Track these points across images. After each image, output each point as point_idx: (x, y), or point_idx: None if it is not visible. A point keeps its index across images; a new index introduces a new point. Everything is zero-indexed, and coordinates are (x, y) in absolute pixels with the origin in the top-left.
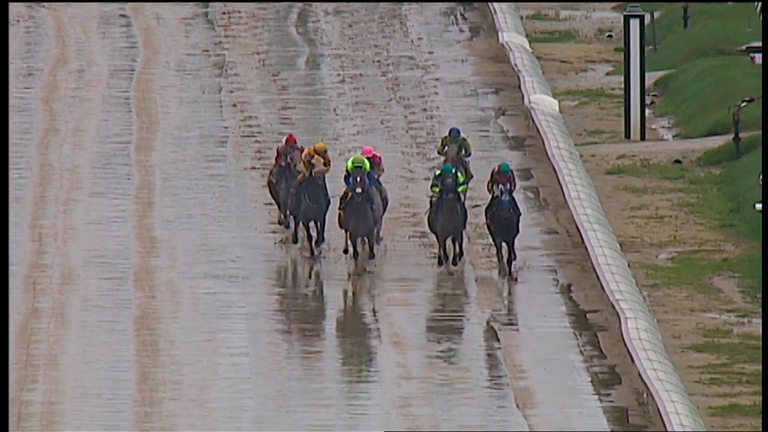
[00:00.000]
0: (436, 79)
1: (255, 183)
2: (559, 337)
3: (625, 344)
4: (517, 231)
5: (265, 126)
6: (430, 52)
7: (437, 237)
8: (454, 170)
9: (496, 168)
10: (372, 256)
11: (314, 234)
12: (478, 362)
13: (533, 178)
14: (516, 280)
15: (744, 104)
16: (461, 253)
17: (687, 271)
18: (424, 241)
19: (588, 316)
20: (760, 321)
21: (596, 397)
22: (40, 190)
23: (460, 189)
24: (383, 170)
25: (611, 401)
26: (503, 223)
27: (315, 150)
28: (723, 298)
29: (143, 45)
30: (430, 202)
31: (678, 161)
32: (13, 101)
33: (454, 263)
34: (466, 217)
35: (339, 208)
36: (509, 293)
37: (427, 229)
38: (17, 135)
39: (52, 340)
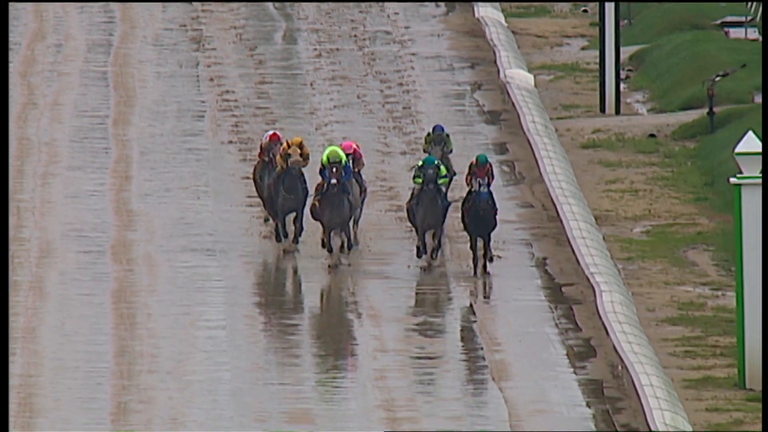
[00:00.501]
0: (413, 54)
1: (232, 157)
2: (534, 310)
3: (600, 317)
4: (494, 226)
5: (242, 100)
6: (407, 27)
7: (416, 229)
8: (436, 162)
9: (474, 160)
10: (349, 247)
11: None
12: (454, 335)
13: (509, 152)
14: (488, 273)
15: (718, 78)
16: (439, 246)
17: (661, 244)
18: (400, 214)
19: (563, 289)
20: (733, 294)
21: (571, 369)
22: (18, 164)
23: (440, 181)
24: (363, 164)
25: (586, 374)
26: (480, 216)
27: (291, 144)
28: (697, 271)
29: (120, 19)
30: (412, 193)
31: (653, 135)
32: None
33: (433, 257)
34: (446, 211)
35: (314, 199)
36: (485, 267)
37: (402, 201)
38: None
39: (30, 313)
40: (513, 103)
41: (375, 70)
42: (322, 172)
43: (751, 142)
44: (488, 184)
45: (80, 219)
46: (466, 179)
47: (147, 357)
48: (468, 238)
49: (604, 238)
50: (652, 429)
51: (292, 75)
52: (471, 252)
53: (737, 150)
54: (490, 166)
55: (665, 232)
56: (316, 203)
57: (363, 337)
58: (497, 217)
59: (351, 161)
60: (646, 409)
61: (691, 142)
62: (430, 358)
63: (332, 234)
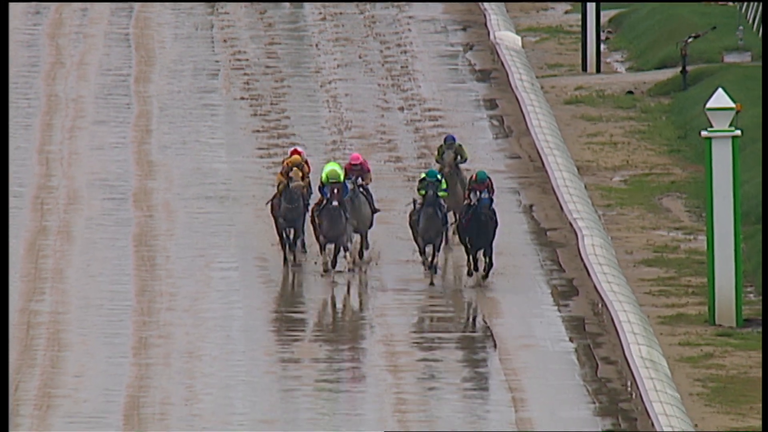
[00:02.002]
0: (410, 17)
1: (244, 112)
2: (521, 252)
3: (582, 259)
4: (494, 236)
5: (253, 60)
6: None
7: (417, 242)
8: (438, 175)
9: (474, 176)
10: (336, 258)
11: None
12: (448, 276)
13: (498, 107)
14: (486, 278)
15: (691, 40)
16: (435, 263)
17: (638, 192)
18: (398, 165)
19: (548, 233)
20: (704, 238)
21: (555, 307)
22: (47, 119)
23: (441, 194)
24: (371, 179)
25: (569, 311)
26: (482, 223)
27: (291, 163)
28: (671, 217)
29: None
30: (413, 206)
31: (630, 92)
32: (22, 37)
33: (435, 270)
34: (446, 223)
35: (314, 216)
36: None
37: (400, 152)
38: (26, 68)
39: (58, 255)
40: (502, 63)
41: (375, 32)
42: (321, 189)
43: (720, 99)
44: (489, 196)
45: (104, 169)
46: (465, 194)
47: (166, 296)
48: (466, 252)
49: (585, 187)
50: (630, 361)
51: (298, 36)
52: (470, 260)
53: (708, 105)
54: (490, 181)
55: (642, 181)
56: (316, 220)
57: (364, 276)
58: (497, 230)
59: (359, 175)
60: (624, 343)
61: (666, 99)
62: (425, 294)
63: (328, 247)
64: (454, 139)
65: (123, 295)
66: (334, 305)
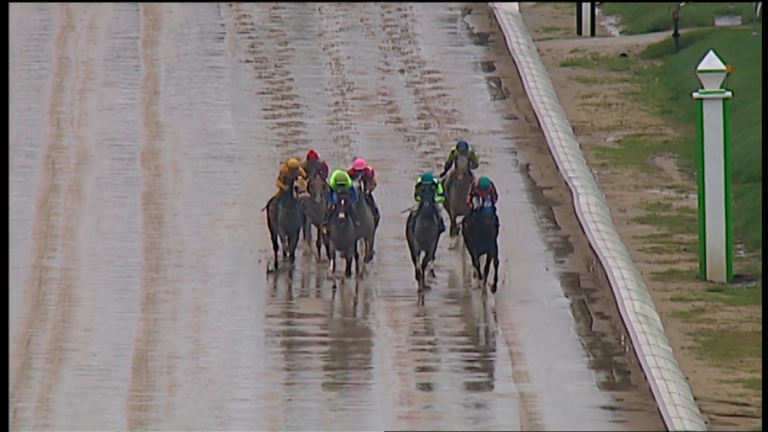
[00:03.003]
0: None
1: (249, 74)
2: (518, 210)
3: (576, 217)
4: (496, 241)
5: (257, 23)
6: None
7: (412, 250)
8: (434, 179)
9: (476, 182)
10: (348, 273)
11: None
12: (446, 234)
13: (495, 69)
14: (494, 290)
15: (683, 4)
16: (431, 268)
17: (632, 152)
18: (398, 126)
19: (544, 192)
20: (696, 196)
21: (551, 263)
22: (58, 81)
23: (437, 199)
24: (375, 184)
25: (565, 267)
26: (485, 231)
27: (289, 168)
28: (664, 176)
29: None
30: (410, 213)
31: (624, 55)
32: (33, 2)
33: (432, 275)
34: (441, 230)
35: (322, 224)
36: (475, 174)
37: (401, 113)
38: (38, 31)
39: (69, 213)
40: (499, 26)
41: None
42: (329, 195)
43: (712, 61)
44: (492, 202)
45: (114, 129)
46: (467, 200)
47: (173, 252)
48: (471, 257)
49: (580, 147)
50: (623, 316)
51: (302, 1)
52: (476, 269)
53: (700, 68)
54: (493, 187)
55: (635, 141)
56: (324, 229)
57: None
58: (499, 234)
59: (362, 181)
60: (618, 298)
61: (659, 61)
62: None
63: (337, 255)
64: (467, 145)
65: (132, 252)
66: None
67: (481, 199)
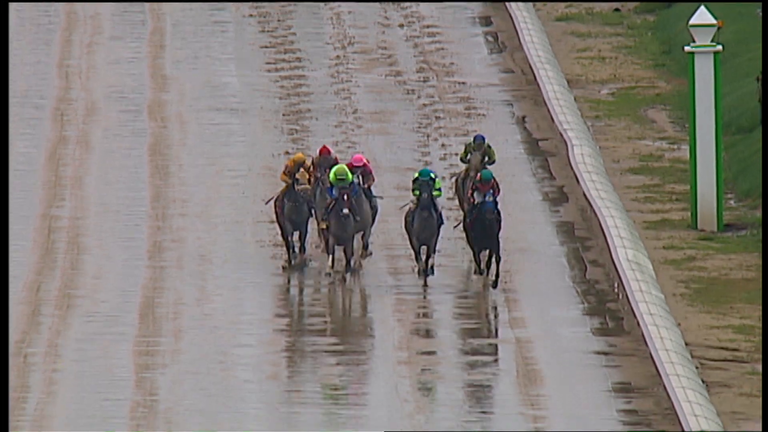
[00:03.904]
0: None
1: (252, 29)
2: (514, 161)
3: (571, 168)
4: (498, 235)
5: None
6: None
7: (412, 245)
8: (431, 174)
9: (478, 176)
10: (348, 268)
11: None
12: (444, 182)
13: (492, 24)
14: (495, 286)
15: None
16: (430, 265)
17: (625, 104)
18: (398, 79)
19: (540, 143)
20: (687, 147)
21: (547, 213)
22: (67, 35)
23: (435, 194)
24: (374, 179)
25: (560, 217)
26: (486, 226)
27: (295, 162)
28: (656, 127)
29: None
30: (409, 209)
31: (617, 9)
32: None
33: (431, 272)
34: (440, 224)
35: (322, 220)
36: (473, 126)
37: (400, 66)
38: None
39: (77, 163)
40: None
41: None
42: (329, 190)
43: (703, 15)
44: (494, 196)
45: (121, 82)
46: (469, 194)
47: (179, 202)
48: (472, 251)
49: (575, 99)
50: (617, 264)
51: None
52: (476, 266)
53: (691, 22)
54: (495, 181)
55: (628, 94)
56: (325, 224)
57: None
58: (501, 228)
59: (360, 176)
60: (612, 246)
61: (651, 15)
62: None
63: (336, 249)
64: (483, 139)
65: (138, 202)
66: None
67: (482, 193)
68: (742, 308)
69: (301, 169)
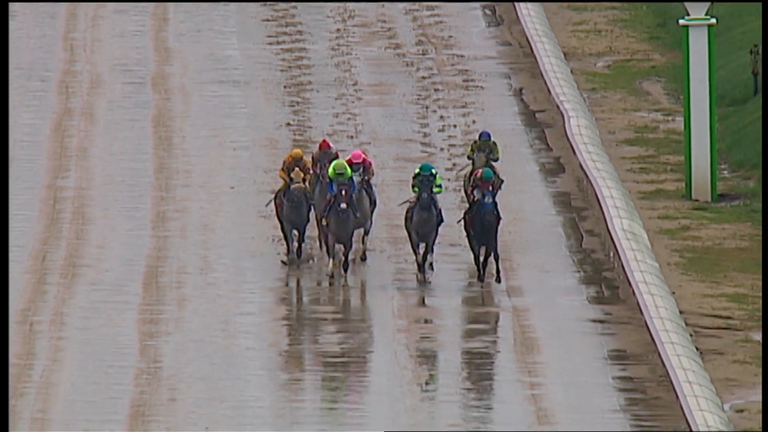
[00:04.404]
0: None
1: (254, 2)
2: (512, 133)
3: (568, 139)
4: (497, 234)
5: None
6: None
7: (411, 241)
8: (433, 170)
9: (478, 173)
10: (345, 268)
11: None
12: (443, 153)
13: None
14: (499, 281)
15: None
16: (427, 260)
17: (621, 76)
18: (397, 51)
19: (537, 115)
20: (682, 119)
21: (544, 183)
22: (72, 8)
23: (435, 191)
24: (373, 173)
25: (556, 187)
26: (485, 226)
27: (292, 158)
28: (651, 99)
29: None
30: (409, 206)
31: None
32: None
33: (431, 268)
34: (440, 222)
35: (322, 217)
36: (471, 98)
37: (400, 39)
38: None
39: (83, 135)
40: None
41: None
42: (329, 185)
43: None
44: (493, 195)
45: (125, 55)
46: (468, 191)
47: (182, 173)
48: (470, 246)
49: (571, 71)
50: (612, 233)
51: None
52: (476, 265)
53: None
54: (496, 178)
55: (624, 66)
56: (324, 221)
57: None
58: (500, 227)
59: (361, 170)
60: (607, 216)
61: None
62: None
63: (336, 247)
64: (489, 135)
65: (142, 173)
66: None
67: (482, 191)
68: (735, 277)
69: (297, 168)
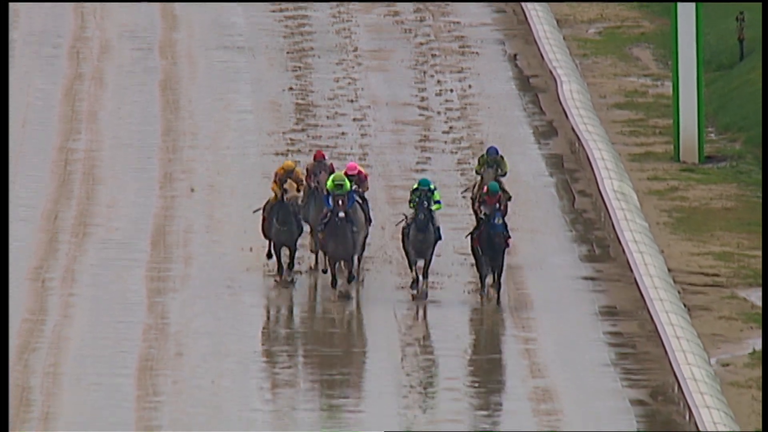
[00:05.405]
0: None
1: None
2: (506, 97)
3: (560, 103)
4: (504, 255)
5: None
6: None
7: (408, 259)
8: (431, 185)
9: (485, 188)
10: (351, 278)
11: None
12: (440, 116)
13: None
14: (499, 302)
15: None
16: (426, 276)
17: (611, 42)
18: (396, 18)
19: (530, 80)
20: (670, 83)
21: (537, 146)
22: None
23: (434, 207)
24: (368, 187)
25: (549, 150)
26: (494, 247)
27: (284, 170)
28: (640, 65)
29: None
30: (406, 219)
31: None
32: None
33: (425, 276)
34: (438, 239)
35: (318, 231)
36: (467, 64)
37: (398, 7)
38: None
39: (93, 99)
40: None
41: None
42: (326, 198)
43: None
44: (503, 215)
45: (133, 22)
46: (475, 207)
47: (188, 135)
48: (476, 263)
49: (564, 38)
50: (603, 194)
51: None
52: (479, 280)
53: None
54: (502, 194)
55: (614, 33)
56: (320, 235)
57: (359, 118)
58: (508, 248)
59: (356, 183)
60: (599, 177)
61: None
62: (419, 135)
63: (336, 265)
64: (497, 151)
65: (150, 135)
66: (335, 146)
67: (489, 206)
68: (721, 236)
69: (289, 180)
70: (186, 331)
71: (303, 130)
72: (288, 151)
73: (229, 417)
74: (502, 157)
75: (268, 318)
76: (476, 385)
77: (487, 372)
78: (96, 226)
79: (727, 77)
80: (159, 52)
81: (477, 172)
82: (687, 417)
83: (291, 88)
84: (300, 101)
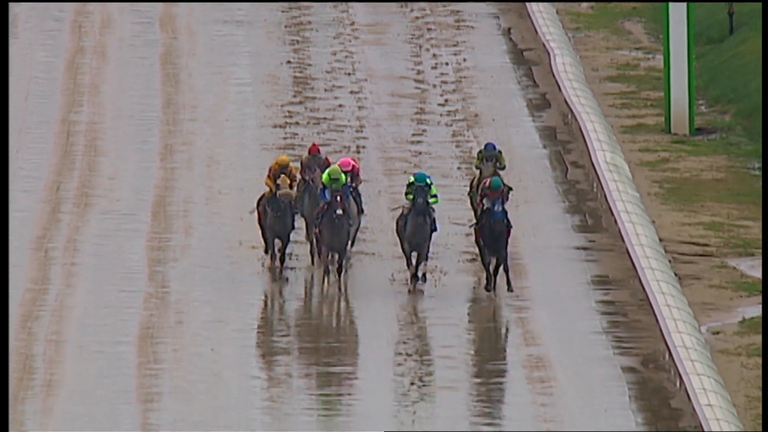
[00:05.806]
0: None
1: None
2: (500, 70)
3: (553, 76)
4: (507, 244)
5: None
6: None
7: (403, 250)
8: (427, 180)
9: (487, 182)
10: (340, 271)
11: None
12: (435, 89)
13: None
14: (512, 290)
15: None
16: (424, 274)
17: (604, 16)
18: None
19: (524, 53)
20: (661, 57)
21: (531, 118)
22: None
23: (431, 201)
24: (361, 181)
25: (543, 122)
26: (495, 236)
27: (278, 164)
28: (632, 38)
29: None
30: (401, 211)
31: None
32: None
33: (423, 279)
34: (433, 231)
35: (315, 227)
36: (462, 38)
37: None
38: None
39: (94, 72)
40: None
41: None
42: (322, 192)
43: None
44: (502, 204)
45: None
46: (477, 201)
47: (188, 108)
48: (480, 255)
49: (557, 12)
50: (596, 165)
51: None
52: (484, 267)
53: None
54: (504, 187)
55: (606, 7)
56: (317, 230)
57: (357, 95)
58: (510, 236)
59: (349, 178)
60: (591, 149)
61: None
62: (416, 109)
63: (330, 256)
64: (494, 146)
65: (151, 108)
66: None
67: (491, 200)
68: (711, 206)
69: (283, 175)
70: (186, 300)
71: (301, 102)
72: (286, 123)
73: (228, 384)
74: (500, 151)
75: (267, 286)
76: (471, 352)
77: (481, 340)
78: (98, 197)
79: (717, 50)
80: (159, 26)
81: (476, 167)
82: (677, 384)
83: (289, 62)
84: (298, 74)
